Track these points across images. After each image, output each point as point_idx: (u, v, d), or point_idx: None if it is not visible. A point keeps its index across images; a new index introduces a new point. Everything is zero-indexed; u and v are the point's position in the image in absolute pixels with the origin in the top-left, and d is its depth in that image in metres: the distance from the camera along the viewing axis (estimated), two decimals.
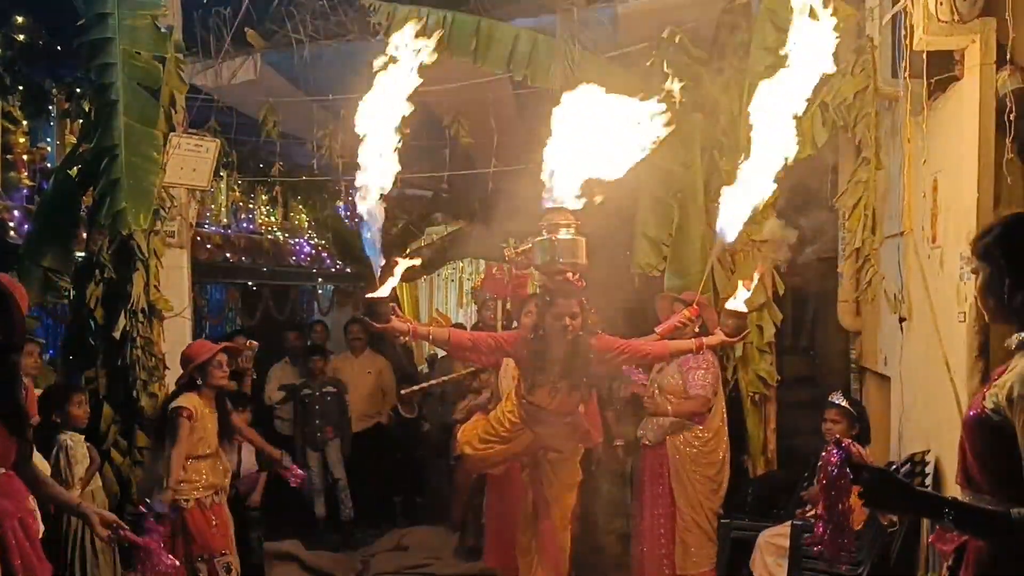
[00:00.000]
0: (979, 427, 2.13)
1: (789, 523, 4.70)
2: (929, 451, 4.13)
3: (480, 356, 4.39)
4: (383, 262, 3.91)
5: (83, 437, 4.50)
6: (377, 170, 3.77)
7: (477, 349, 4.35)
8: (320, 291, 11.00)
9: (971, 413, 2.15)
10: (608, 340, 4.23)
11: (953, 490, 2.31)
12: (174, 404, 4.58)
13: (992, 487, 2.08)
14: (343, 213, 10.49)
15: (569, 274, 4.08)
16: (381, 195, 3.82)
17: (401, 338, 4.21)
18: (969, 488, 2.17)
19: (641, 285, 6.04)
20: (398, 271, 3.98)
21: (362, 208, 3.84)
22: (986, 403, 2.11)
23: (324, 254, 10.19)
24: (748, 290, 4.14)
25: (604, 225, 6.62)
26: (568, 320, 4.03)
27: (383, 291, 3.90)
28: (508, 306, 6.12)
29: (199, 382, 4.64)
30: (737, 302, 4.15)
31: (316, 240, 10.16)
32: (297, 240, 9.82)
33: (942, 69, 3.98)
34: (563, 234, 4.00)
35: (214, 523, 4.63)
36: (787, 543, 4.64)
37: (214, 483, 4.71)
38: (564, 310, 4.04)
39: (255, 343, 6.59)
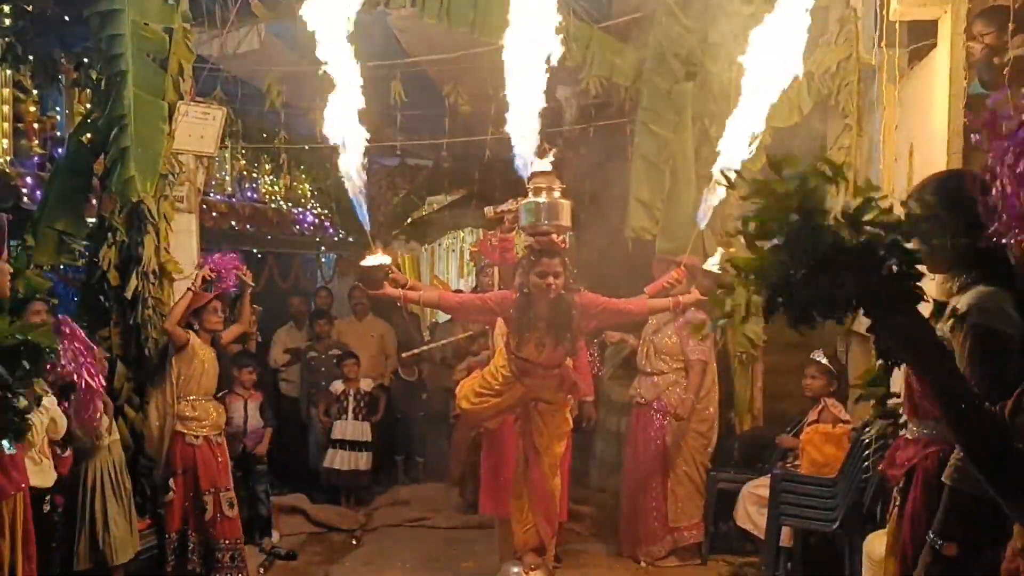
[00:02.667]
0: None
1: (770, 475, 4.94)
2: (901, 400, 4.32)
3: (470, 316, 4.69)
4: (369, 225, 4.20)
5: None
6: (347, 134, 4.06)
7: (465, 309, 4.67)
8: (323, 259, 11.15)
9: None
10: (590, 297, 4.47)
11: None
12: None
13: (937, 413, 2.26)
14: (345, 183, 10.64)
15: (553, 235, 4.29)
16: (359, 159, 4.10)
17: (398, 302, 4.46)
18: (916, 417, 2.37)
19: (635, 248, 6.22)
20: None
21: (343, 171, 4.11)
22: None
23: (327, 223, 10.33)
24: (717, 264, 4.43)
25: (599, 189, 6.83)
26: (551, 279, 4.26)
27: (375, 259, 4.17)
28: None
29: (196, 327, 5.02)
30: (712, 263, 4.42)
31: (319, 210, 10.30)
32: (300, 209, 9.96)
33: (926, 37, 4.14)
34: (547, 197, 4.21)
35: (219, 459, 5.01)
36: (768, 493, 4.88)
37: (219, 423, 5.10)
38: (548, 269, 4.27)
39: (258, 307, 6.83)
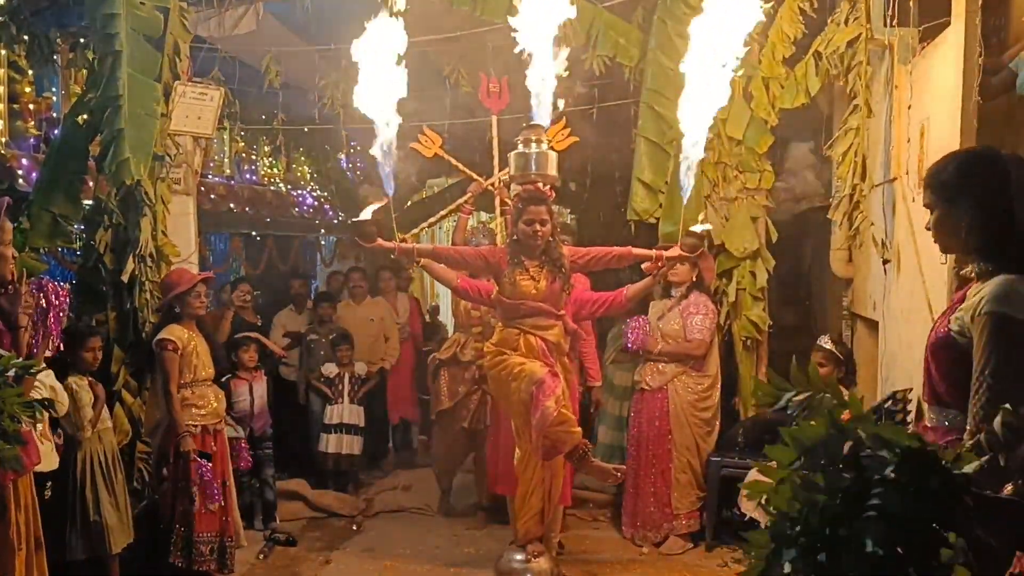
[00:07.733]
0: (945, 349, 2.26)
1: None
2: (911, 389, 4.24)
3: (466, 265, 4.79)
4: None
5: (87, 381, 4.54)
6: (384, 111, 4.11)
7: (463, 257, 4.73)
8: (323, 242, 11.08)
9: (939, 334, 2.28)
10: (574, 248, 4.70)
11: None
12: (157, 337, 4.75)
13: (959, 402, 2.21)
14: (345, 165, 10.57)
15: (540, 184, 4.45)
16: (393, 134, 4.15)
17: (391, 255, 4.52)
18: (937, 405, 2.31)
19: (637, 231, 6.15)
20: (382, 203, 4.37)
21: (376, 149, 4.16)
22: (951, 326, 2.24)
23: (326, 206, 10.26)
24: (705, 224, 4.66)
25: (602, 173, 6.75)
26: (538, 226, 4.41)
27: (365, 214, 4.28)
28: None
29: (177, 310, 4.82)
30: (698, 226, 4.55)
31: (318, 192, 10.22)
32: (300, 191, 9.88)
33: (938, 16, 4.06)
34: (535, 148, 4.42)
35: (212, 449, 4.81)
36: None
37: (219, 411, 4.93)
38: (535, 217, 4.41)
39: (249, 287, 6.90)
